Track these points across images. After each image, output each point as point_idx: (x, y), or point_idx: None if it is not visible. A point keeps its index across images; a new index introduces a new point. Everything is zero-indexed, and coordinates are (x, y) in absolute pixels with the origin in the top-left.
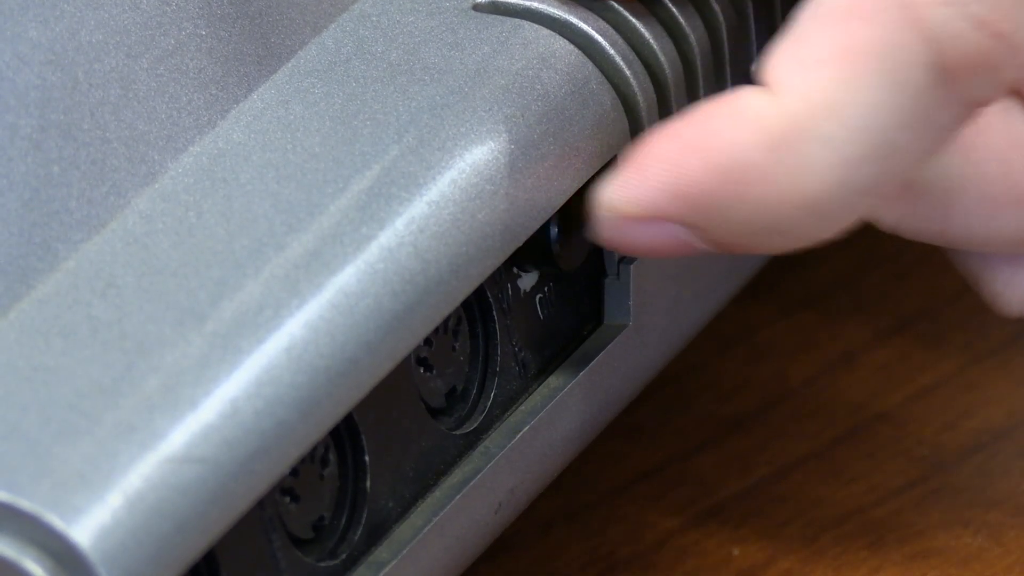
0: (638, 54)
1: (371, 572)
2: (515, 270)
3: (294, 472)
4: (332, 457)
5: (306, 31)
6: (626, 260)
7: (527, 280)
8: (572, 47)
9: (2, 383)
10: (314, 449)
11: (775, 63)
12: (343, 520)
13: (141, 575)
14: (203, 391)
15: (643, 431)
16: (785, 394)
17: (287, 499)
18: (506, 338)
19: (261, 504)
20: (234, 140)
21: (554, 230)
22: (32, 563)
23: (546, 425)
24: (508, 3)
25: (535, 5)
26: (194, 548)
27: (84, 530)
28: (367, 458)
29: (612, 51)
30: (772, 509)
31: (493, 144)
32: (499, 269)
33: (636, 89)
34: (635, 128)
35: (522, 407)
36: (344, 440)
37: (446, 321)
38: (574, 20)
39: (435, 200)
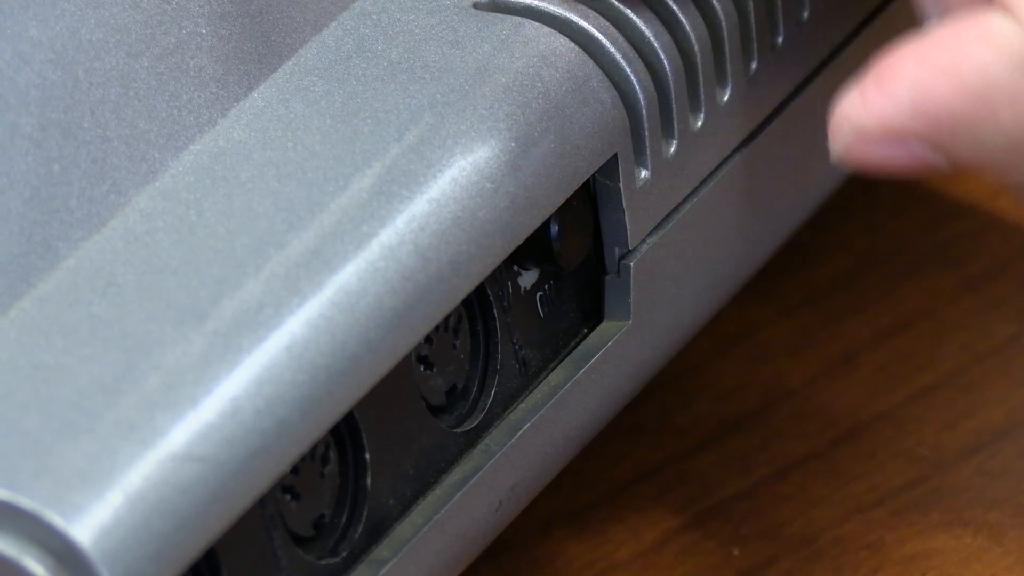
0: (638, 52)
1: (372, 570)
2: (515, 268)
3: (295, 470)
4: (333, 455)
5: (306, 29)
6: (626, 258)
7: (527, 278)
8: (572, 45)
9: (3, 381)
10: (315, 447)
11: None
12: (344, 518)
13: (142, 573)
14: (204, 389)
15: (643, 431)
16: (785, 394)
17: (288, 497)
18: (506, 336)
19: (262, 502)
20: (235, 138)
21: (554, 228)
22: (33, 561)
23: (546, 423)
24: (508, 1)
25: (535, 3)
26: (195, 546)
27: (85, 528)
28: (368, 456)
29: (612, 49)
30: (772, 509)
31: (493, 142)
32: (499, 267)
33: (636, 87)
34: (635, 126)
35: (522, 405)
36: (345, 438)
37: (446, 319)
38: (574, 18)
39: (435, 198)
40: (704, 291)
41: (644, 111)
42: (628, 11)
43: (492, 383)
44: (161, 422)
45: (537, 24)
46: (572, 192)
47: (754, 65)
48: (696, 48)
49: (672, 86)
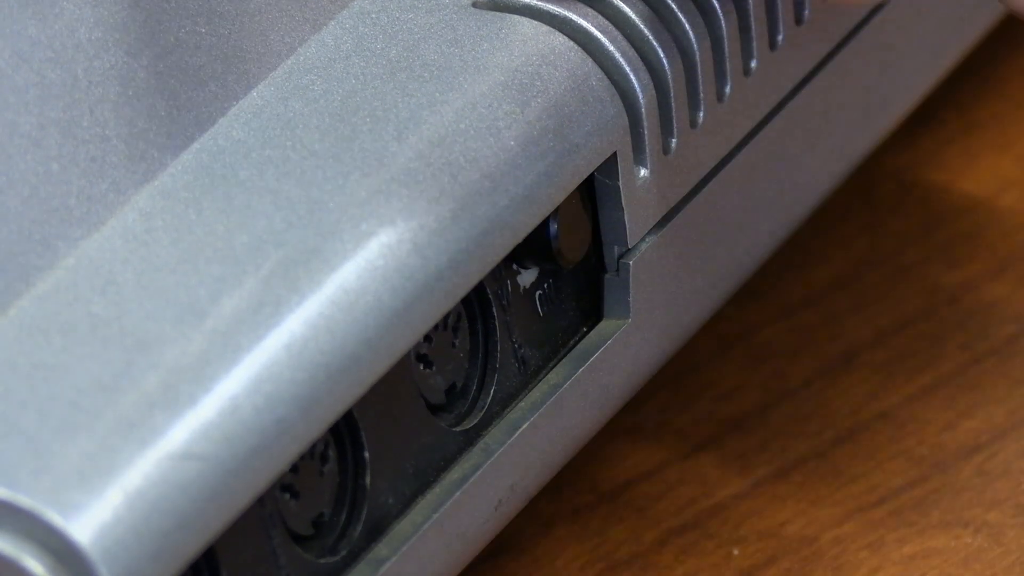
0: (638, 51)
1: (371, 569)
2: (515, 267)
3: (294, 469)
4: (332, 454)
5: (305, 28)
6: (625, 257)
7: (527, 276)
8: (572, 44)
9: (2, 380)
10: (314, 446)
11: None
12: (343, 517)
13: (141, 572)
14: (203, 388)
15: (643, 431)
16: (785, 394)
17: (287, 496)
18: (506, 335)
19: (261, 501)
20: (234, 137)
21: (553, 226)
22: (32, 560)
23: (546, 421)
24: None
25: (535, 2)
26: (194, 545)
27: (84, 527)
28: (367, 455)
29: (612, 48)
30: (772, 509)
31: (492, 140)
32: (499, 266)
33: (636, 86)
34: (634, 125)
35: (522, 403)
36: (344, 437)
37: (446, 318)
38: (574, 17)
39: (435, 197)
40: (703, 290)
41: (643, 110)
42: (627, 10)
43: (491, 382)
44: (160, 421)
45: (536, 23)
46: (571, 191)
47: (754, 64)
48: (696, 47)
49: (672, 85)
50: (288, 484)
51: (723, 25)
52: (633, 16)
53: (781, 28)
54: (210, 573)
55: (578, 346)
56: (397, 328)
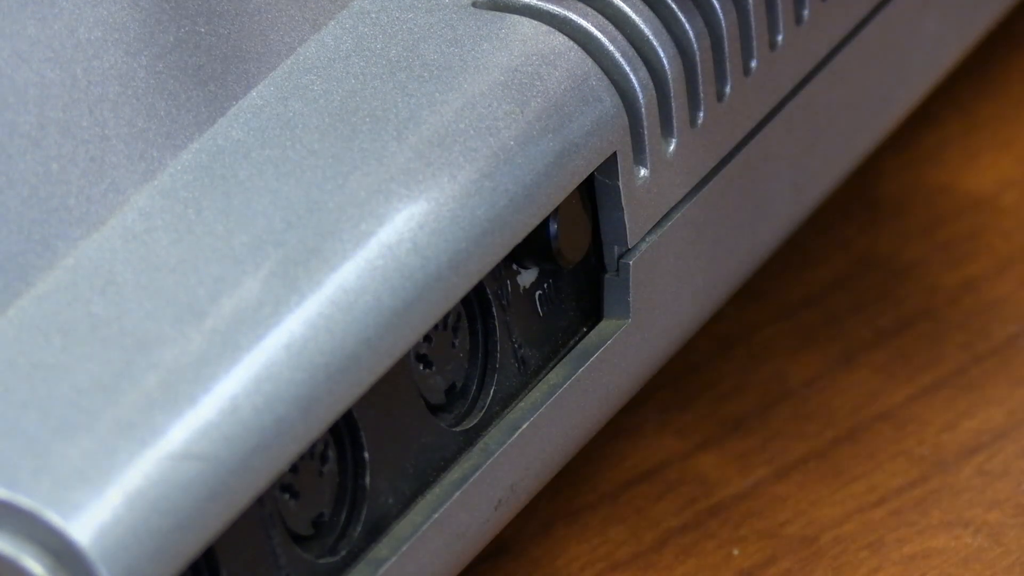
0: (638, 51)
1: (371, 569)
2: (514, 266)
3: (294, 469)
4: (332, 454)
5: (305, 28)
6: (625, 257)
7: (526, 276)
8: (572, 43)
9: (1, 380)
10: (314, 446)
11: None
12: (343, 517)
13: (141, 572)
14: (202, 388)
15: (643, 431)
16: (785, 394)
17: (287, 496)
18: (505, 335)
19: (261, 501)
20: (233, 137)
21: (553, 226)
22: (31, 560)
23: (546, 422)
24: None
25: (535, 1)
26: (194, 545)
27: (83, 527)
28: (367, 455)
29: (612, 47)
30: (772, 509)
31: (492, 140)
32: (498, 265)
33: (636, 85)
34: (634, 124)
35: (521, 404)
36: (344, 437)
37: (445, 318)
38: (574, 16)
39: (434, 196)
40: (703, 290)
41: (643, 109)
42: (627, 9)
43: (491, 382)
44: (160, 421)
45: (536, 22)
46: (571, 190)
47: (754, 63)
48: (696, 46)
49: (672, 84)
50: (288, 484)
51: (723, 25)
52: (633, 16)
53: (781, 28)
54: (210, 573)
55: (578, 346)
56: (397, 328)
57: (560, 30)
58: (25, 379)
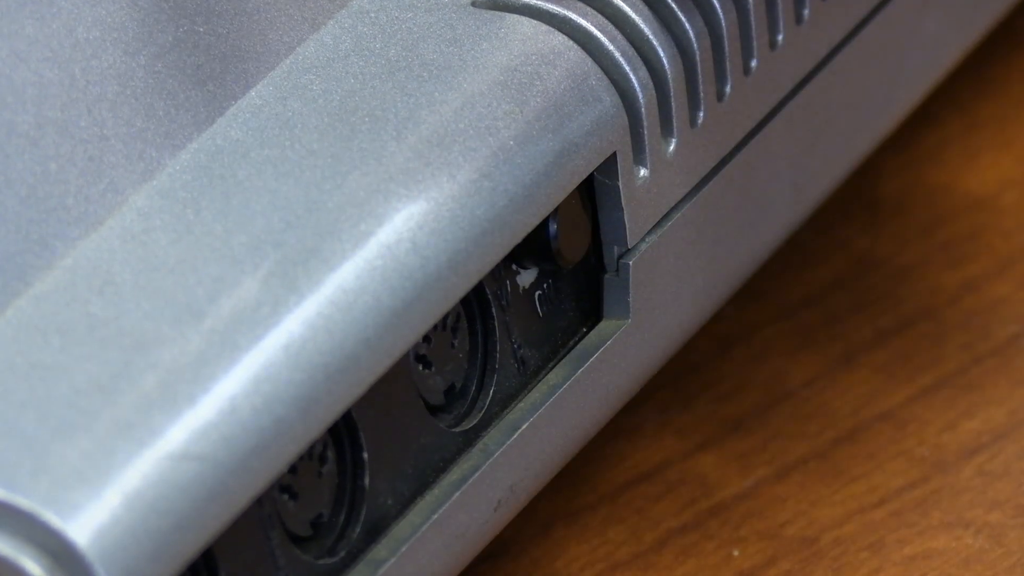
0: (638, 50)
1: (370, 569)
2: (514, 267)
3: (293, 469)
4: (331, 454)
5: (304, 27)
6: (625, 257)
7: (526, 277)
8: (571, 43)
9: (0, 380)
10: (313, 446)
11: None
12: (342, 517)
13: (139, 573)
14: (201, 388)
15: (643, 431)
16: (785, 394)
17: (286, 497)
18: (505, 335)
19: (260, 502)
20: (232, 137)
21: (553, 226)
22: (30, 561)
23: (545, 422)
24: None
25: (534, 1)
26: (192, 546)
27: (82, 528)
28: (366, 455)
29: (611, 47)
30: (772, 509)
31: (492, 140)
32: (498, 266)
33: (636, 85)
34: (634, 124)
35: (521, 404)
36: (343, 437)
37: (445, 318)
38: (573, 16)
39: (434, 196)
40: (703, 290)
41: (643, 109)
42: (627, 9)
43: (491, 382)
44: (159, 421)
45: (536, 22)
46: (571, 190)
47: (754, 63)
48: (696, 46)
49: (671, 84)
50: (287, 485)
51: (723, 25)
52: (633, 16)
53: (781, 28)
54: (209, 574)
55: (578, 346)
56: (396, 328)
57: (560, 30)
58: (23, 379)
